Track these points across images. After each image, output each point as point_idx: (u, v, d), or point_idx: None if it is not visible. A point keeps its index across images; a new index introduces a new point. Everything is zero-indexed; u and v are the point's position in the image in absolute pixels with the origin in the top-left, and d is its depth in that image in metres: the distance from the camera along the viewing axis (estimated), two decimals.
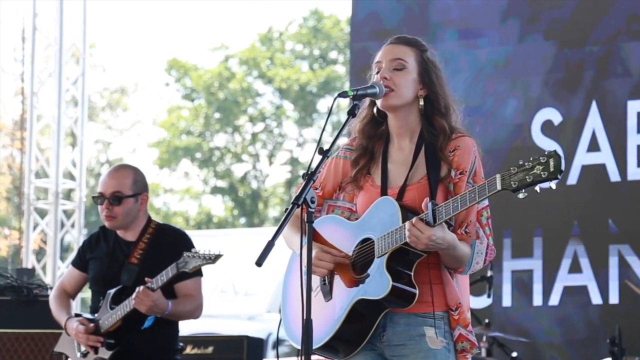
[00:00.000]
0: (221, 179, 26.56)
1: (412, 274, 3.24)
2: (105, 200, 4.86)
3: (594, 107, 6.89)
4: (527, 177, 2.99)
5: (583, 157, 6.89)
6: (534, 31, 7.10)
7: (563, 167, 2.97)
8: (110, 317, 4.79)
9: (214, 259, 4.60)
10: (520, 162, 3.01)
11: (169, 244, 4.87)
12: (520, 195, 3.01)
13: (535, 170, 2.98)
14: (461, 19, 7.33)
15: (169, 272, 4.62)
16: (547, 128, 6.99)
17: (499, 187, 3.04)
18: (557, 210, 6.88)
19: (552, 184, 2.98)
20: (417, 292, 3.23)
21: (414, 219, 3.15)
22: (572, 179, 6.89)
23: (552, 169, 2.96)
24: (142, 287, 4.64)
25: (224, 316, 12.13)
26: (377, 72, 3.40)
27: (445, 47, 7.07)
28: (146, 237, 4.91)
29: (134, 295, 4.65)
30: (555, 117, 7.00)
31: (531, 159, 3.00)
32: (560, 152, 2.99)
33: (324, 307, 3.34)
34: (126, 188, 4.86)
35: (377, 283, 3.23)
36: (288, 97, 26.01)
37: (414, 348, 3.29)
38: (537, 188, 3.01)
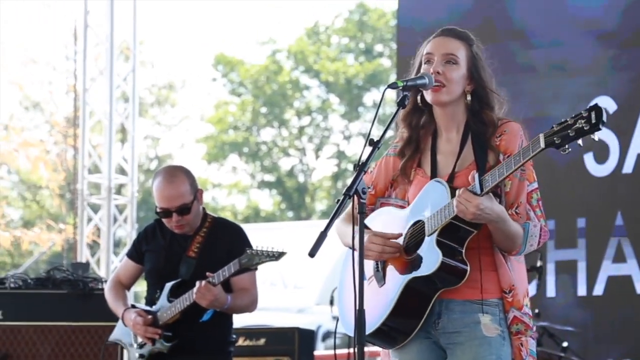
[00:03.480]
0: (268, 173, 26.68)
1: (463, 251, 3.26)
2: (172, 213, 4.85)
3: None
4: (569, 131, 3.00)
5: (639, 146, 6.85)
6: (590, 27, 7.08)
7: (605, 118, 2.96)
8: (168, 310, 4.83)
9: (277, 256, 4.63)
10: (562, 120, 3.03)
11: (225, 238, 4.91)
12: (564, 152, 3.02)
13: (577, 125, 2.99)
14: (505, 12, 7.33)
15: (231, 267, 4.65)
16: None
17: (542, 145, 3.04)
18: (600, 200, 6.86)
19: (595, 136, 2.98)
20: (468, 268, 3.25)
21: (460, 189, 3.18)
22: (628, 167, 6.85)
23: (593, 121, 2.96)
24: (203, 282, 4.66)
25: (274, 309, 12.20)
26: (427, 63, 3.41)
27: (499, 44, 7.04)
28: (203, 231, 4.93)
29: (195, 290, 4.68)
30: (610, 105, 6.97)
31: (573, 115, 3.02)
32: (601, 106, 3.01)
33: (377, 293, 3.37)
34: (188, 195, 4.85)
35: (428, 260, 3.25)
36: (334, 90, 26.05)
37: (469, 335, 3.30)
38: (579, 142, 3.01)
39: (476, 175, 3.18)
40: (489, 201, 3.18)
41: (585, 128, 2.98)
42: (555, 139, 3.02)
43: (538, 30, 7.25)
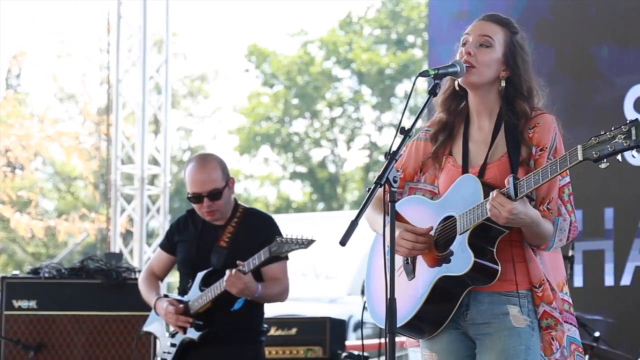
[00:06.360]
0: (300, 164, 26.72)
1: (494, 250, 3.25)
2: (203, 198, 4.89)
3: None
4: (608, 146, 2.96)
5: None
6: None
7: None
8: (200, 299, 4.86)
9: (306, 244, 4.65)
10: (602, 132, 2.98)
11: (257, 227, 4.94)
12: (602, 166, 2.98)
13: (616, 139, 2.95)
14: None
15: (261, 255, 4.68)
16: None
17: (580, 157, 3.01)
18: (628, 189, 6.81)
19: (635, 153, 2.94)
20: (499, 268, 3.24)
21: (494, 192, 3.15)
22: None
23: (634, 137, 2.92)
24: (234, 270, 4.69)
25: (305, 299, 12.22)
26: (463, 45, 3.40)
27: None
28: (234, 221, 4.96)
29: (225, 278, 4.70)
30: None
31: (612, 128, 2.97)
32: None
33: (407, 287, 3.37)
34: (219, 181, 4.89)
35: (460, 259, 3.25)
36: (366, 81, 26.03)
37: (498, 326, 3.30)
38: (618, 157, 2.98)
39: (511, 179, 3.14)
40: (522, 206, 3.15)
41: (624, 144, 2.94)
42: (593, 152, 2.98)
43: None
